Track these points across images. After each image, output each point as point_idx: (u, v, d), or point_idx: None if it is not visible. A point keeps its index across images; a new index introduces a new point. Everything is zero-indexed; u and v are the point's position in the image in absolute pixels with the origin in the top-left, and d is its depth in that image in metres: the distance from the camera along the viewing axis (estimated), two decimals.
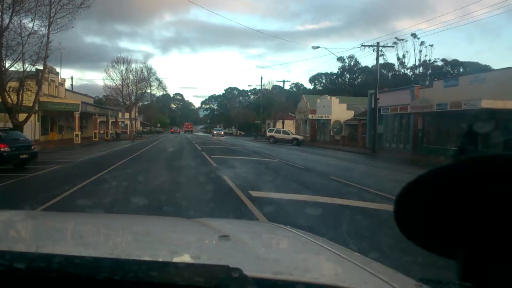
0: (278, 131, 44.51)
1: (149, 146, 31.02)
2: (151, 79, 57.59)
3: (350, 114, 45.38)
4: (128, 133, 57.21)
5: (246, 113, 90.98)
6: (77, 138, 34.10)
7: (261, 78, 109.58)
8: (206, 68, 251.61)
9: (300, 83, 70.28)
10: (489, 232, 0.75)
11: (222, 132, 64.37)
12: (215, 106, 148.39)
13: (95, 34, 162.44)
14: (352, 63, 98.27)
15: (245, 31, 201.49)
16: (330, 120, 46.09)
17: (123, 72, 50.14)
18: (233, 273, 0.75)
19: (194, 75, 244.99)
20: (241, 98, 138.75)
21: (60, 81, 41.57)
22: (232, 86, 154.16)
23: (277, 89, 70.47)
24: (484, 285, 0.77)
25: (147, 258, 1.05)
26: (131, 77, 50.81)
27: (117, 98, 51.11)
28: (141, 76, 52.46)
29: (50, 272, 0.77)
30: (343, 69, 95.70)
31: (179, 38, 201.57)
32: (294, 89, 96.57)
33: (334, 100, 47.22)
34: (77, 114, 35.00)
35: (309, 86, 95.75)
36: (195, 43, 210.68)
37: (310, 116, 47.65)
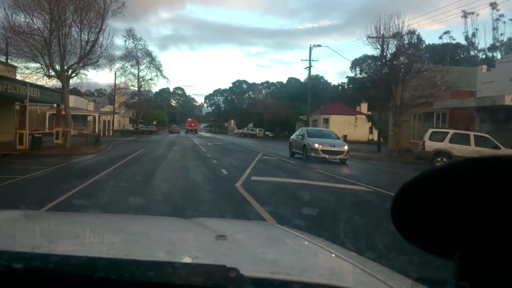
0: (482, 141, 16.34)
1: None
2: (139, 54, 29.24)
3: None
4: (86, 133, 31.73)
5: (279, 106, 61.38)
6: None
7: (310, 48, 47.69)
8: (205, 66, 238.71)
9: (320, 75, 44.33)
10: (484, 232, 0.76)
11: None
12: (221, 102, 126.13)
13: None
14: (413, 40, 73.81)
15: (244, 29, 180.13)
16: None
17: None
18: (230, 273, 0.75)
19: (192, 73, 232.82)
20: (251, 92, 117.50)
21: None
22: (241, 79, 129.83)
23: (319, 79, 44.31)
24: (480, 284, 0.78)
25: (144, 258, 0.99)
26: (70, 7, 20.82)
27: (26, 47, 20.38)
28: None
29: (47, 272, 0.77)
30: (399, 49, 70.93)
31: (177, 36, 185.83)
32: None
33: None
34: None
35: (333, 80, 67.83)
36: (192, 40, 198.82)
37: (509, 100, 16.99)
